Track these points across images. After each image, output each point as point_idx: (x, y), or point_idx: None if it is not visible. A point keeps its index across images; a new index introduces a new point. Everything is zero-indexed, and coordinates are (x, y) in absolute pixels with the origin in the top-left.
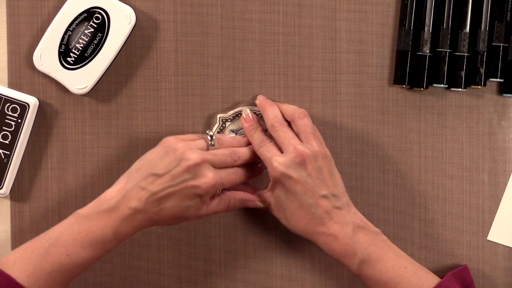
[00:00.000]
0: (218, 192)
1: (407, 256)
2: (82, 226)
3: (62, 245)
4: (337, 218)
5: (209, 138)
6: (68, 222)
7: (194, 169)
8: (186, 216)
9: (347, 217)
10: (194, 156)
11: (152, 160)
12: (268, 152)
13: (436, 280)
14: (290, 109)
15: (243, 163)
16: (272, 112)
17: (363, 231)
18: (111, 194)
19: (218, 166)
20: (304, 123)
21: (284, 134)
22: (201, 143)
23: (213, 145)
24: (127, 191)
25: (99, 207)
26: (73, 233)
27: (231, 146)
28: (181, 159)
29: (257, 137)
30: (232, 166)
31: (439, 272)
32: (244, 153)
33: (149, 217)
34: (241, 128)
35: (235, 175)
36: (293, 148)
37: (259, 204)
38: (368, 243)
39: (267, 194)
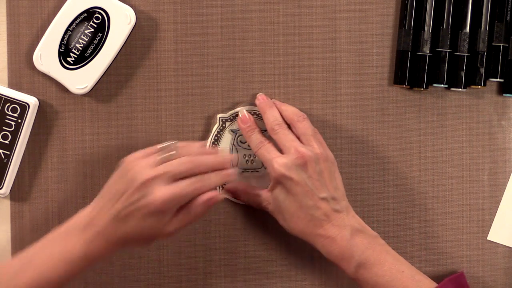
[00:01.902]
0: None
1: (405, 261)
2: (54, 245)
3: (34, 264)
4: (335, 221)
5: (170, 148)
6: (42, 241)
7: (143, 188)
8: (153, 234)
9: (346, 220)
10: (142, 176)
11: (112, 185)
12: (268, 154)
13: (433, 285)
14: (290, 111)
15: (209, 170)
16: (272, 115)
17: (361, 235)
18: (83, 215)
19: (177, 177)
20: (303, 125)
21: (285, 137)
22: (153, 159)
23: (173, 156)
24: (94, 215)
25: (71, 227)
26: (45, 252)
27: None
28: (132, 180)
29: (255, 138)
30: (197, 174)
31: (439, 272)
32: (206, 159)
33: (117, 239)
34: None
35: (200, 182)
36: (295, 150)
37: (221, 196)
38: (365, 247)
39: (267, 194)
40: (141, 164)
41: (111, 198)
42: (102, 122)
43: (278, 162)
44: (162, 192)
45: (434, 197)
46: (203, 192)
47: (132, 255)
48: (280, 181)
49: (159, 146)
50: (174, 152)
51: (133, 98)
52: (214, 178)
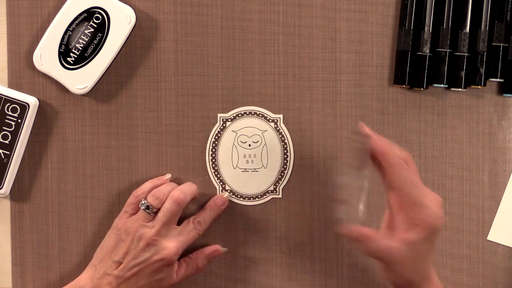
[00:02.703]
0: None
1: None
2: None
3: None
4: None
5: (144, 206)
6: None
7: (152, 245)
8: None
9: None
10: (148, 233)
11: (111, 248)
12: (424, 197)
13: None
14: (398, 153)
15: (190, 197)
16: (405, 171)
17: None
18: (84, 280)
19: (174, 223)
20: (417, 169)
21: (424, 190)
22: (143, 214)
23: (151, 210)
24: (97, 279)
25: None
26: None
27: (168, 192)
28: (138, 239)
29: (405, 173)
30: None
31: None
32: (184, 189)
33: None
34: (243, 128)
35: (200, 225)
36: (434, 196)
37: (223, 249)
38: None
39: (399, 245)
40: (139, 222)
41: (113, 262)
42: (102, 122)
43: (440, 211)
44: (173, 244)
45: None
46: (204, 230)
47: None
48: (438, 231)
49: (134, 200)
50: (152, 209)
51: (133, 98)
52: (209, 215)
